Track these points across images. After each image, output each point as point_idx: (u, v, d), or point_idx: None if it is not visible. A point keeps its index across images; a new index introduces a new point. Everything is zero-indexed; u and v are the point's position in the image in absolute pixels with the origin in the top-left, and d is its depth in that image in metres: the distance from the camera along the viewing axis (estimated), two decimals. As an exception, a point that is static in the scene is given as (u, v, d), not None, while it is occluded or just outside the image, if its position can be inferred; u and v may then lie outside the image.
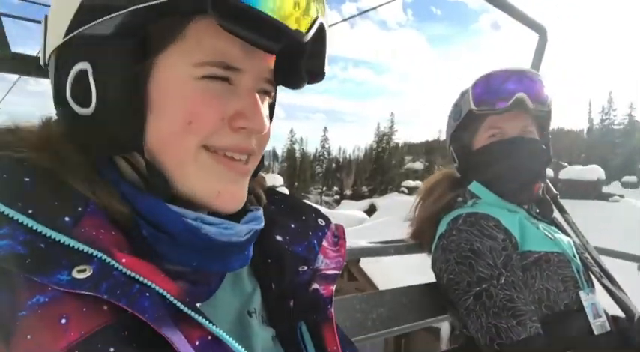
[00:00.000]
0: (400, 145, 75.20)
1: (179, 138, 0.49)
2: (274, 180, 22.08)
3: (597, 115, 68.45)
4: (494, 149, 1.29)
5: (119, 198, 0.49)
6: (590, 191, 16.38)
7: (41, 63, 0.56)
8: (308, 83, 0.56)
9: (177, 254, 0.50)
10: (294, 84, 0.55)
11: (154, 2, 0.45)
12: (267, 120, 0.53)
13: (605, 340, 1.13)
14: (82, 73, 0.48)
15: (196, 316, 0.45)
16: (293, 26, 0.46)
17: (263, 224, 0.59)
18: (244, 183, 0.56)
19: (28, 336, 0.38)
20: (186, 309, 0.44)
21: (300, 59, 0.51)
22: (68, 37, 0.50)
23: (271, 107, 0.62)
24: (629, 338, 1.15)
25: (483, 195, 1.33)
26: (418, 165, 65.04)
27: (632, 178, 39.76)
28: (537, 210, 1.37)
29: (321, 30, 0.50)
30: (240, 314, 0.57)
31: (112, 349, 0.39)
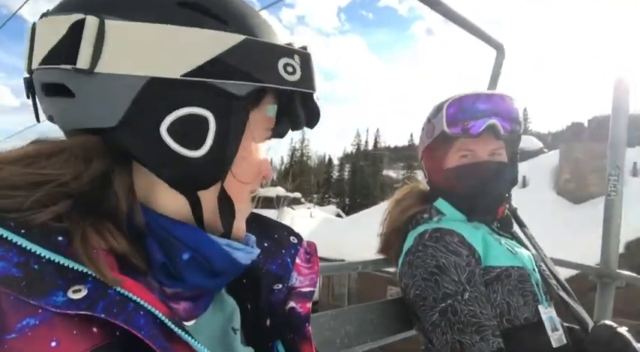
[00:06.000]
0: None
1: (250, 184, 0.57)
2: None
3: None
4: (464, 171, 1.30)
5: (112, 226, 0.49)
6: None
7: (84, 66, 0.45)
8: (307, 125, 0.60)
9: (196, 278, 0.51)
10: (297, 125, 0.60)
11: (286, 87, 0.52)
12: None
13: None
14: (194, 118, 0.49)
15: (185, 336, 0.45)
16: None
17: None
18: None
19: None
20: (176, 329, 0.44)
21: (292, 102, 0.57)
22: (185, 78, 0.48)
23: None
24: (584, 350, 1.20)
25: (448, 212, 1.35)
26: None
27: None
28: (498, 225, 1.40)
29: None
30: (224, 331, 0.58)
31: None
